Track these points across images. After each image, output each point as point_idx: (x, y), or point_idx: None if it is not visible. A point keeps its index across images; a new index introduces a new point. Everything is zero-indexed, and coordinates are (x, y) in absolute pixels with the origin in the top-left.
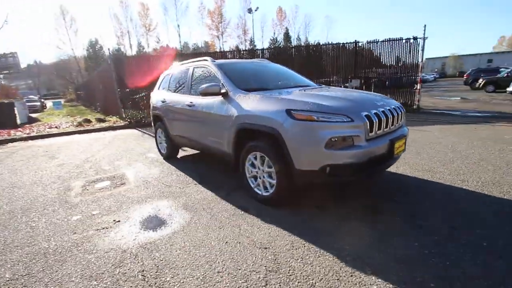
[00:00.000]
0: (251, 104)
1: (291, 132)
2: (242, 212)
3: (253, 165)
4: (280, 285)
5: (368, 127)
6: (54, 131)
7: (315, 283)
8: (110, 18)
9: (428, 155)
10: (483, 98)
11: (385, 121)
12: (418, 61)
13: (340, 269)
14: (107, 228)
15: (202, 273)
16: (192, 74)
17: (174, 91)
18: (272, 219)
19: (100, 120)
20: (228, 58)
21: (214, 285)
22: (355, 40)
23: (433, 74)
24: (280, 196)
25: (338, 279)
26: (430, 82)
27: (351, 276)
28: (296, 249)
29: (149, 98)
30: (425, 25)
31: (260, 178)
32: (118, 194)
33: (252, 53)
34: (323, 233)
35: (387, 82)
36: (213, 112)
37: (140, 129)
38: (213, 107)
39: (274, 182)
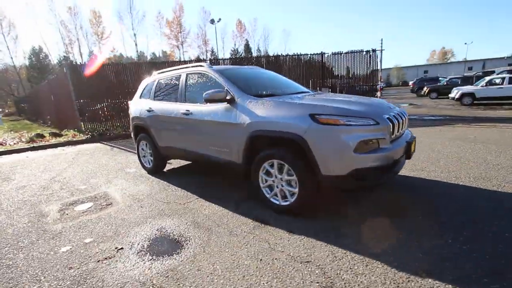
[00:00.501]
0: (265, 110)
1: (317, 137)
2: (263, 225)
3: (268, 173)
4: None
5: (391, 129)
6: (0, 149)
7: None
8: (57, 25)
9: (414, 156)
10: (430, 104)
11: (397, 124)
12: (377, 71)
13: (395, 275)
14: (110, 257)
15: None
16: (186, 80)
17: (162, 100)
18: (298, 230)
19: (55, 135)
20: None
21: None
22: (321, 52)
23: (380, 84)
24: (302, 204)
25: (398, 287)
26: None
27: (409, 281)
28: (339, 259)
29: (111, 109)
30: (382, 39)
31: (277, 187)
32: (108, 217)
33: (216, 62)
34: (356, 239)
35: (356, 89)
36: (217, 120)
37: (106, 142)
38: (217, 114)
39: (295, 190)
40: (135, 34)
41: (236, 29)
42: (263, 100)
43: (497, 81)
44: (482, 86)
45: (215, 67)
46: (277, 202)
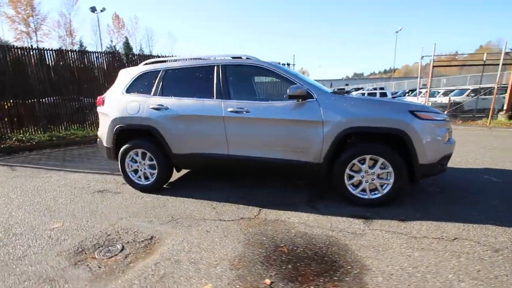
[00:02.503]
0: (358, 107)
1: (419, 131)
2: (371, 220)
3: (354, 170)
4: None
5: None
6: None
7: None
8: None
9: None
10: None
11: None
12: None
13: None
14: None
15: None
16: (224, 73)
17: (180, 95)
18: (406, 217)
19: None
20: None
21: None
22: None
23: None
24: (396, 194)
25: None
26: None
27: None
28: (471, 230)
29: None
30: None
31: (366, 182)
32: (179, 262)
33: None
34: (446, 212)
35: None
36: (292, 118)
37: None
38: (289, 112)
39: (389, 182)
40: None
41: (113, 23)
42: (346, 97)
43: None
44: None
45: (268, 61)
46: (366, 197)
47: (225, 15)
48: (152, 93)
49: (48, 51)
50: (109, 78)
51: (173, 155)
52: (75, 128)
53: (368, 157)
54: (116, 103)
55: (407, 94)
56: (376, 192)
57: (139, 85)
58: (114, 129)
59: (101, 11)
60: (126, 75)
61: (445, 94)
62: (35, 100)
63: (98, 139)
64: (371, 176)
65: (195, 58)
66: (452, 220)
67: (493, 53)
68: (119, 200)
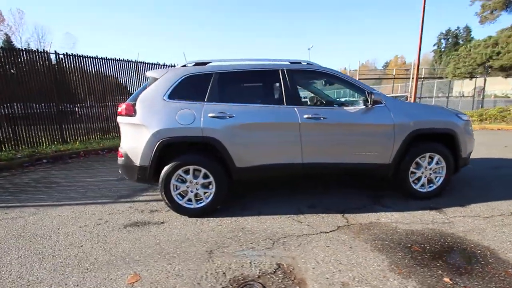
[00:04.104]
0: (420, 111)
1: (463, 131)
2: (440, 209)
3: (417, 167)
4: None
5: None
6: None
7: None
8: None
9: None
10: None
11: None
12: None
13: None
14: None
15: None
16: (289, 79)
17: (241, 102)
18: (467, 202)
19: None
20: None
21: None
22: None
23: None
24: (447, 184)
25: None
26: None
27: None
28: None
29: None
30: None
31: (425, 177)
32: None
33: None
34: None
35: None
36: (368, 122)
37: None
38: (364, 117)
39: (441, 175)
40: None
41: None
42: (406, 102)
43: None
44: None
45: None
46: (424, 190)
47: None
48: (206, 99)
49: None
50: None
51: (236, 169)
52: None
53: (428, 154)
54: (158, 112)
55: None
56: (432, 185)
57: (186, 90)
58: (157, 144)
59: None
60: (165, 78)
61: None
62: None
63: (122, 158)
64: (428, 171)
65: (247, 61)
66: (495, 199)
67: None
68: (175, 231)
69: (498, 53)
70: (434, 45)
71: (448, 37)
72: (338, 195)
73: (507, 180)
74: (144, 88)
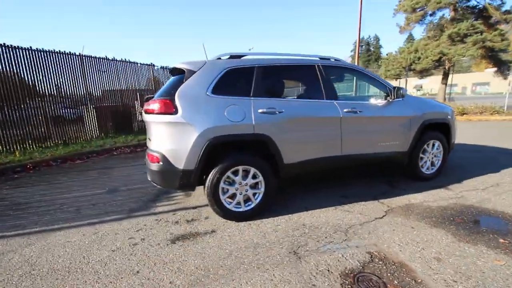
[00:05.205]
0: (426, 105)
1: (453, 120)
2: (445, 187)
3: (424, 153)
4: None
5: None
6: None
7: None
8: None
9: None
10: None
11: None
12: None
13: None
14: None
15: None
16: (327, 74)
17: (281, 96)
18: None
19: None
20: None
21: None
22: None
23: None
24: (444, 166)
25: None
26: None
27: None
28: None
29: None
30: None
31: (429, 161)
32: None
33: None
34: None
35: None
36: (392, 115)
37: None
38: (389, 109)
39: (440, 158)
40: None
41: None
42: (415, 97)
43: None
44: None
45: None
46: (428, 172)
47: None
48: (252, 94)
49: None
50: None
51: (284, 166)
52: None
53: (431, 142)
54: (204, 109)
55: None
56: (433, 167)
57: (229, 85)
58: (206, 144)
59: None
60: (205, 71)
61: None
62: None
63: (158, 163)
64: (431, 156)
65: (281, 55)
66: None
67: None
68: (236, 238)
69: (419, 58)
70: (351, 51)
71: (362, 44)
72: (359, 184)
73: (476, 162)
74: (175, 82)
